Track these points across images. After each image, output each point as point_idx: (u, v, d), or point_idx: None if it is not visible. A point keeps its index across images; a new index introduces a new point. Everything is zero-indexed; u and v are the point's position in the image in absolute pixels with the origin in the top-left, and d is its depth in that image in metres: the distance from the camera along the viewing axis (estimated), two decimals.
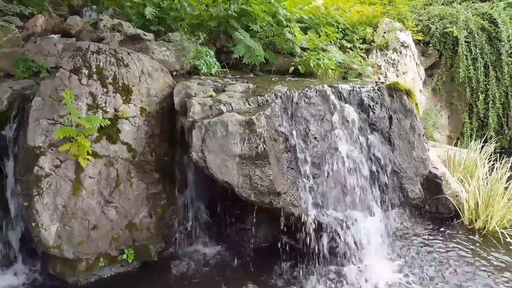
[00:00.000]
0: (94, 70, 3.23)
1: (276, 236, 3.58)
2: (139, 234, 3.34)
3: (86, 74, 3.20)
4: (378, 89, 3.76)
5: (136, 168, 3.35)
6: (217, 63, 4.35)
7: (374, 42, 5.57)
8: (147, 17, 4.81)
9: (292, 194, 3.12)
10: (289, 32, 4.70)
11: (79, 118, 3.03)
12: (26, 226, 3.16)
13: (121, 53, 3.37)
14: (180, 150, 3.57)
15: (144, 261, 3.39)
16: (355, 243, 3.29)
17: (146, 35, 4.48)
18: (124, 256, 3.26)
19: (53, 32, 5.04)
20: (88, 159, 3.10)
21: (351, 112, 3.52)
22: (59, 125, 3.08)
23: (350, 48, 5.19)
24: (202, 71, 4.16)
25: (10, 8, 5.57)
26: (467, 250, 3.67)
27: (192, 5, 5.10)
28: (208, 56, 4.32)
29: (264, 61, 4.64)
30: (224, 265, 3.45)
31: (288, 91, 3.38)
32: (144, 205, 3.37)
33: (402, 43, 5.73)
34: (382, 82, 4.10)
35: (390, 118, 3.72)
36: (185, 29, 4.72)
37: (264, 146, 2.95)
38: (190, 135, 3.00)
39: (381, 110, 3.69)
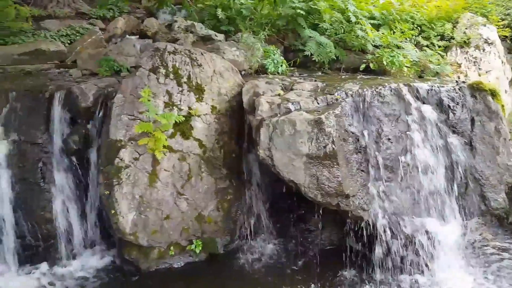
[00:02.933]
0: (171, 69, 3.40)
1: (342, 239, 3.50)
2: (207, 226, 3.46)
3: (163, 73, 3.38)
4: (459, 89, 3.50)
5: (206, 163, 3.47)
6: (285, 62, 4.37)
7: (453, 38, 5.20)
8: (219, 18, 4.96)
9: (362, 198, 3.02)
10: (360, 29, 4.57)
11: (156, 114, 3.21)
12: (106, 213, 3.39)
13: (195, 54, 3.51)
14: (246, 148, 3.64)
15: (211, 253, 3.50)
16: (428, 252, 3.09)
17: (217, 36, 4.63)
18: (193, 247, 3.39)
19: (131, 34, 5.39)
20: (163, 153, 3.27)
21: (429, 112, 3.32)
22: (139, 120, 3.28)
23: (427, 45, 4.90)
24: (270, 70, 4.20)
25: (94, 12, 6.08)
26: None
27: (261, 4, 5.17)
28: (276, 55, 4.35)
29: (334, 59, 4.56)
30: (287, 264, 3.44)
31: (360, 89, 3.28)
32: (212, 199, 3.48)
33: (485, 39, 5.28)
34: (463, 82, 3.81)
35: (472, 120, 3.44)
36: (254, 29, 4.79)
37: (333, 146, 2.90)
38: (258, 133, 3.03)
39: (462, 111, 3.43)
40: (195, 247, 3.39)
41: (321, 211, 3.31)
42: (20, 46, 4.85)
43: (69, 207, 3.48)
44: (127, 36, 5.09)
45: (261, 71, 4.21)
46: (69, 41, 5.14)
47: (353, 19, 4.53)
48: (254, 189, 3.66)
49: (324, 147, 2.90)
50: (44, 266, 3.33)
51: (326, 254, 3.55)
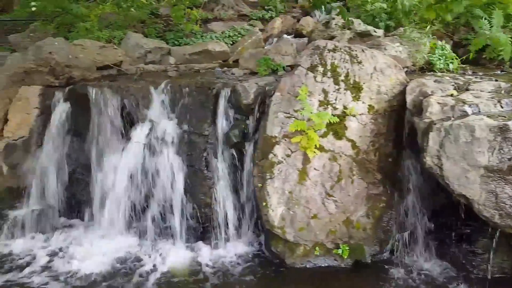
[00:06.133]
0: (329, 67, 3.34)
1: None
2: (355, 232, 3.31)
3: (321, 71, 3.35)
4: None
5: (358, 166, 3.31)
6: (456, 58, 3.87)
7: None
8: (377, 13, 4.70)
9: None
10: None
11: (311, 113, 3.20)
12: (257, 204, 3.55)
13: (355, 51, 3.37)
14: (405, 152, 3.34)
15: (356, 260, 3.34)
16: None
17: (376, 31, 4.40)
18: (339, 251, 3.28)
19: (287, 33, 5.57)
20: (315, 152, 3.25)
21: None
22: (293, 118, 3.33)
23: None
24: (437, 67, 3.79)
25: (254, 13, 6.48)
26: None
27: None
28: (445, 51, 3.91)
29: None
30: None
31: None
32: (362, 205, 3.31)
33: None
34: None
35: None
36: (418, 23, 4.38)
37: None
38: (426, 138, 2.73)
39: None
40: (342, 251, 3.27)
41: (494, 234, 2.83)
42: (191, 47, 5.49)
43: (226, 194, 3.74)
44: (284, 35, 5.25)
45: (427, 68, 3.82)
46: (231, 42, 5.59)
47: None
48: (411, 199, 3.34)
49: (509, 159, 2.44)
50: (200, 246, 3.65)
51: (494, 283, 3.03)
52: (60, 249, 3.66)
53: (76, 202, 4.11)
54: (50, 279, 3.24)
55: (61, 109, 4.13)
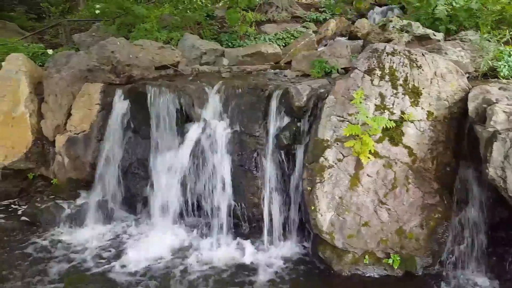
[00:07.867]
0: (387, 71, 3.25)
1: None
2: (408, 242, 3.20)
3: (378, 75, 3.27)
4: None
5: (415, 174, 3.20)
6: None
7: None
8: (437, 16, 4.51)
9: None
10: None
11: (366, 117, 3.12)
12: (305, 207, 3.53)
13: (415, 54, 3.26)
14: (465, 162, 3.18)
15: (407, 271, 3.23)
16: None
17: (435, 35, 4.22)
18: (390, 261, 3.19)
19: (341, 35, 5.48)
20: (368, 158, 3.17)
21: None
22: (347, 122, 3.28)
23: None
24: (502, 74, 3.57)
25: (308, 15, 6.44)
26: None
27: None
28: (511, 57, 3.66)
29: None
30: None
31: None
32: (417, 214, 3.19)
33: None
34: None
35: None
36: (483, 27, 4.15)
37: None
38: (489, 148, 2.59)
39: None
40: (393, 262, 3.18)
41: None
42: (244, 49, 5.56)
43: (273, 196, 3.76)
44: (337, 37, 5.18)
45: (490, 75, 3.62)
46: (283, 44, 5.59)
47: None
48: (469, 211, 3.18)
49: None
50: (246, 245, 3.70)
51: None
52: (114, 240, 3.88)
53: (131, 195, 4.31)
54: (103, 268, 3.42)
55: (121, 106, 4.34)
